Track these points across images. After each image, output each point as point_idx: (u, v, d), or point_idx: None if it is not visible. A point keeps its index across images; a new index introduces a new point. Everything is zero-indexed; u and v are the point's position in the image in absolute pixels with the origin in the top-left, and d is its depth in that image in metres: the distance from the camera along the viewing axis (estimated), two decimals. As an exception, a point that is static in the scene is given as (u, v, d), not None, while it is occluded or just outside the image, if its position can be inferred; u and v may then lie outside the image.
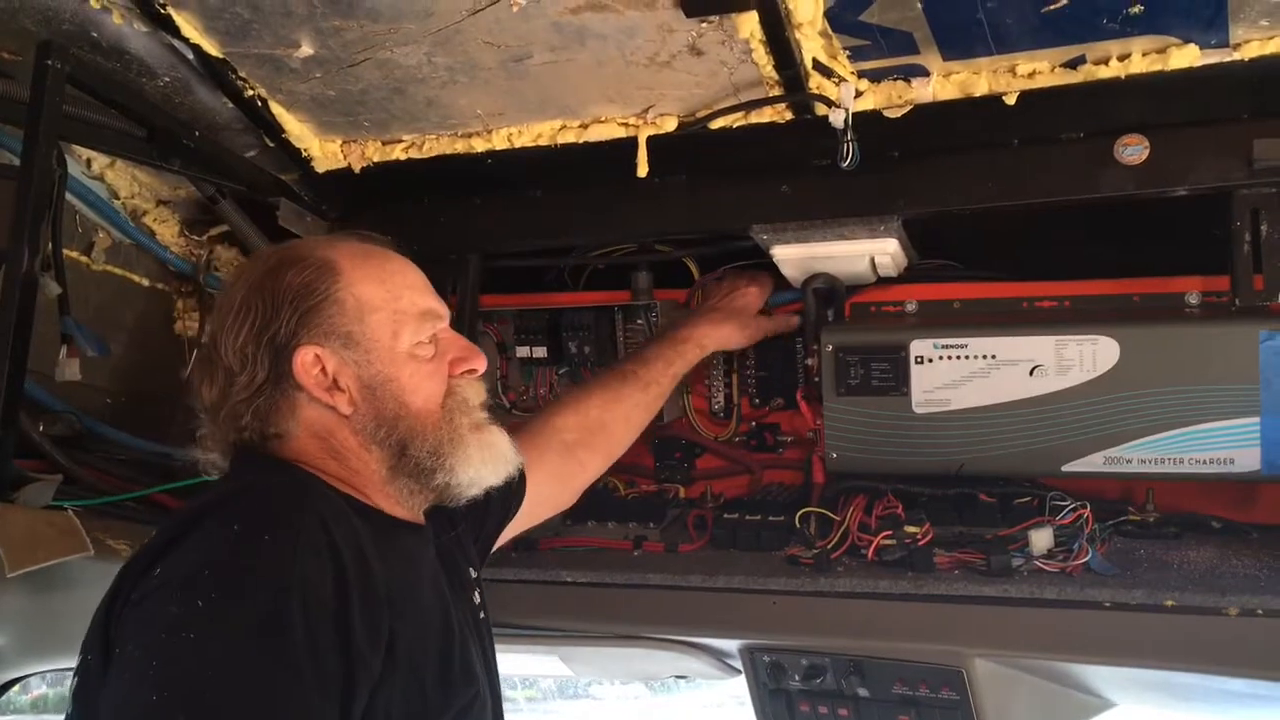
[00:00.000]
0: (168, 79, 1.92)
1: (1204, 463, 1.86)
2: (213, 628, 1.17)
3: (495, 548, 1.89)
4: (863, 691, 1.97)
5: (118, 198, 2.31)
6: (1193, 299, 2.00)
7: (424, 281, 1.57)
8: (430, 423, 1.49)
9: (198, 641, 1.16)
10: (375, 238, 1.60)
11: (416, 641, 1.35)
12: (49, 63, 1.74)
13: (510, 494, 1.85)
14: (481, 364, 1.56)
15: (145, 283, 2.42)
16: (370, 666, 1.25)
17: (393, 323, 1.48)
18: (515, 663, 2.46)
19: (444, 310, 1.56)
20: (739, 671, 2.16)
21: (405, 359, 1.48)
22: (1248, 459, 1.83)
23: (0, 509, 1.71)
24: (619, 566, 2.08)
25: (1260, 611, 1.67)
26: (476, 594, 1.66)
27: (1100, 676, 1.95)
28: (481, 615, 1.64)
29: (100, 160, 2.23)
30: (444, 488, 1.51)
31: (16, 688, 2.49)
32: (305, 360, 1.44)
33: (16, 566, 1.66)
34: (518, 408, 2.51)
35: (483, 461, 1.52)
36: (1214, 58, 1.64)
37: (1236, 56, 1.63)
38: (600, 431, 2.05)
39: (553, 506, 2.03)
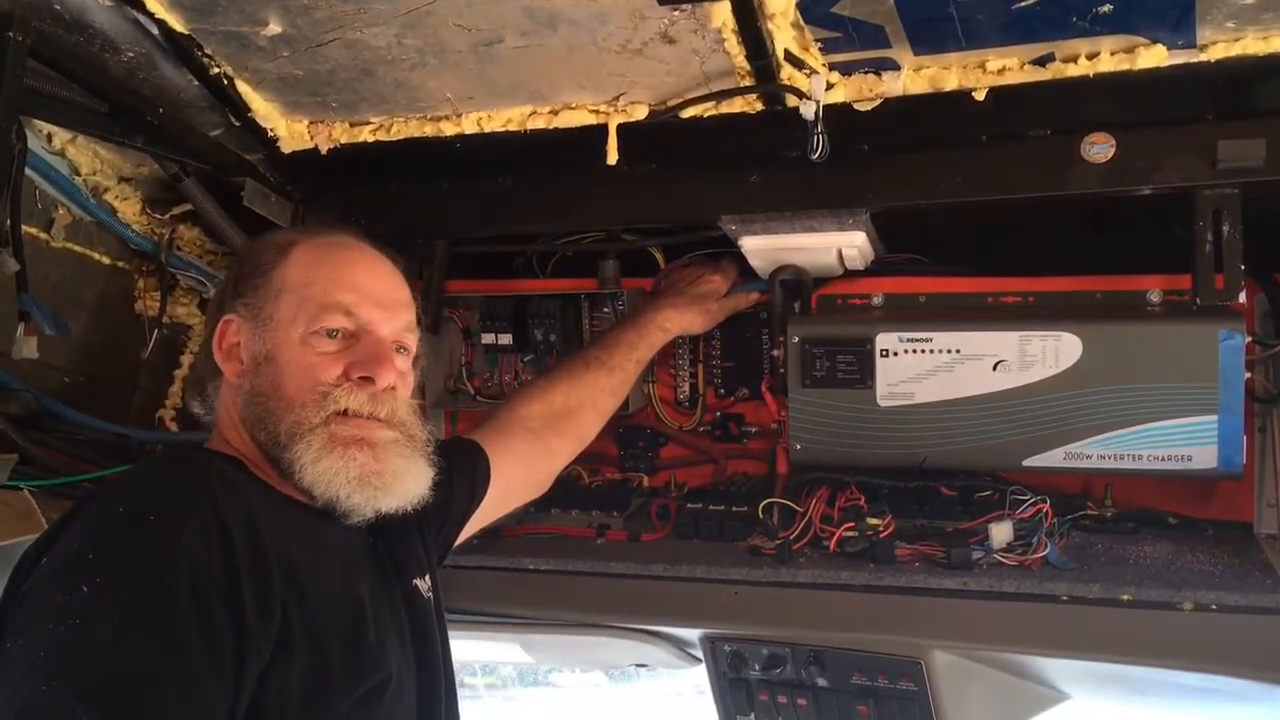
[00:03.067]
0: (131, 54, 1.88)
1: (1162, 459, 1.88)
2: (98, 612, 1.17)
3: (467, 535, 1.88)
4: (822, 681, 1.98)
5: (79, 174, 2.26)
6: (1154, 297, 2.02)
7: (363, 280, 1.53)
8: (290, 411, 1.45)
9: (84, 626, 1.16)
10: (360, 240, 1.61)
11: (318, 624, 1.33)
12: (10, 35, 1.70)
13: (475, 481, 1.85)
14: (383, 375, 1.48)
15: (106, 261, 2.38)
16: (260, 643, 1.24)
17: (296, 306, 1.49)
18: (476, 649, 2.45)
19: (371, 313, 1.51)
20: (699, 660, 2.17)
21: (296, 343, 1.47)
22: (1205, 456, 1.86)
23: (-47, 488, 1.69)
24: (582, 554, 2.08)
25: (1214, 607, 1.70)
26: (425, 582, 1.63)
27: (1056, 669, 1.97)
28: (424, 602, 1.61)
29: (61, 135, 2.19)
30: (302, 487, 1.45)
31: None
32: (222, 327, 1.52)
33: (-30, 545, 1.63)
34: (482, 394, 2.49)
35: (323, 471, 1.43)
36: (1181, 58, 1.66)
37: (1203, 57, 1.65)
38: (567, 418, 2.04)
39: (524, 493, 2.03)
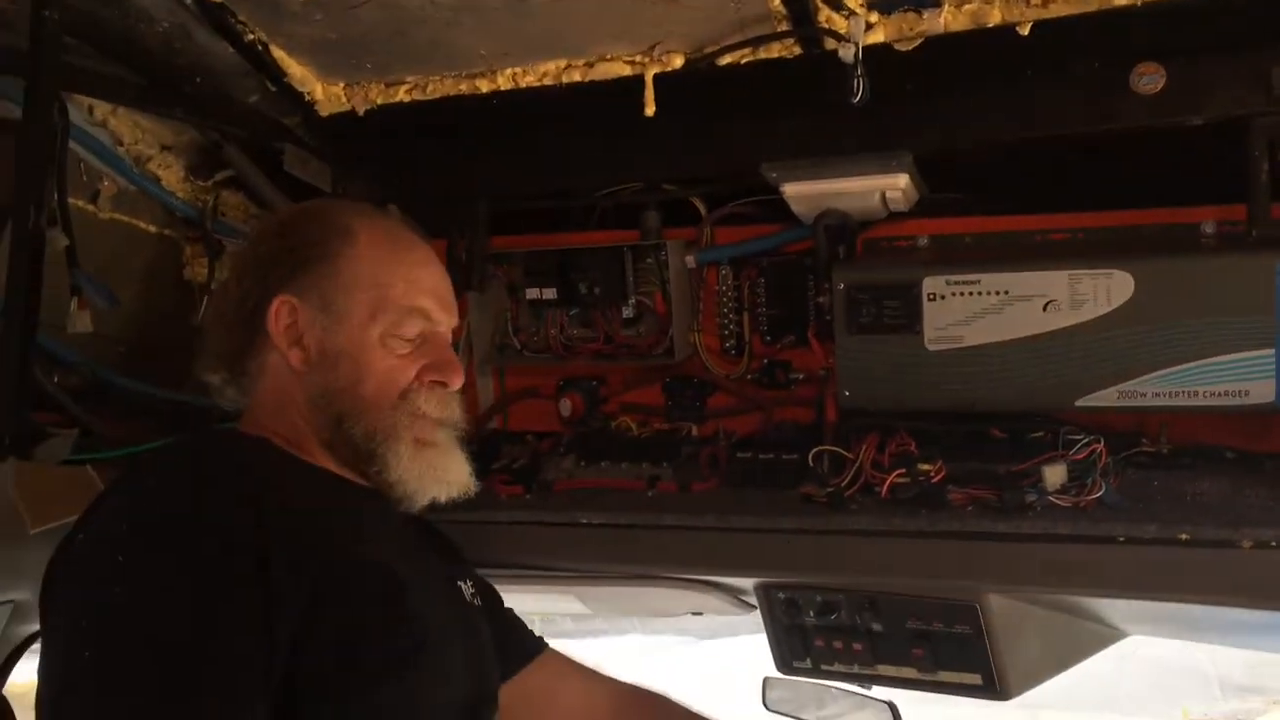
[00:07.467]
0: (166, 25, 1.88)
1: (1218, 395, 1.84)
2: (136, 579, 1.23)
3: None
4: (877, 626, 1.98)
5: (121, 144, 2.28)
6: (1208, 229, 1.96)
7: (436, 283, 1.57)
8: (374, 411, 1.49)
9: (124, 595, 1.22)
10: (417, 231, 1.64)
11: (353, 589, 1.36)
12: (44, 13, 1.71)
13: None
14: (456, 380, 1.55)
15: (152, 229, 2.40)
16: (292, 605, 1.27)
17: (375, 305, 1.50)
18: (534, 602, 2.48)
19: (442, 316, 1.56)
20: (754, 607, 2.18)
21: (374, 343, 1.50)
22: (1262, 390, 1.82)
23: (19, 466, 1.74)
24: (633, 507, 2.09)
25: (1274, 544, 1.67)
26: (468, 586, 1.68)
27: (1113, 608, 1.96)
28: (468, 603, 1.65)
29: (102, 107, 2.20)
30: (378, 481, 1.52)
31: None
32: (279, 307, 1.49)
33: (38, 523, 1.69)
34: (529, 349, 2.50)
35: (414, 470, 1.51)
36: (1234, -20, 1.61)
37: (1257, -23, 1.60)
38: None
39: None
